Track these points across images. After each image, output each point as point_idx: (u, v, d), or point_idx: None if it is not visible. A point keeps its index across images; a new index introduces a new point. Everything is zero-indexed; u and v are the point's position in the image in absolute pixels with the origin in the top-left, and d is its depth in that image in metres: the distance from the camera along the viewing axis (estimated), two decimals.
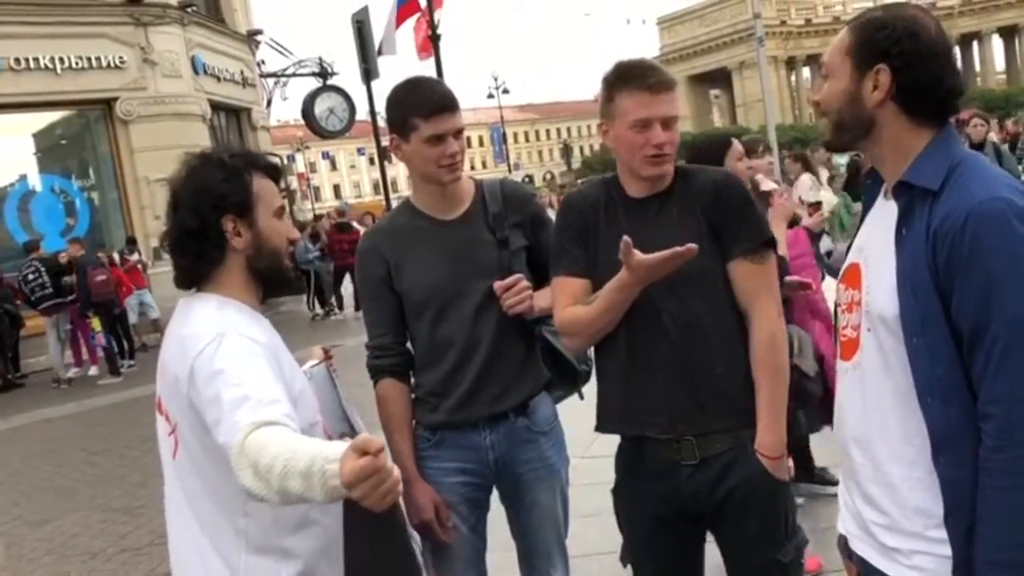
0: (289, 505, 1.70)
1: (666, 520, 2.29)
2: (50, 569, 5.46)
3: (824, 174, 11.80)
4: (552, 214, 2.82)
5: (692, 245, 2.01)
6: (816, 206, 5.16)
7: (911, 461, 1.65)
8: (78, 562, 5.49)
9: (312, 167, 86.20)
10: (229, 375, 1.74)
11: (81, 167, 17.47)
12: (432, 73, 15.17)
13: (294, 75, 20.48)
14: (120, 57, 16.14)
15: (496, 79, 56.83)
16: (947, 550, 1.61)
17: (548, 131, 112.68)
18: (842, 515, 1.88)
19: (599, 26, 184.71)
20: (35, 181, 16.70)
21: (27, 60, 15.10)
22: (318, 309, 16.75)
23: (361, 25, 17.18)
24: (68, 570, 5.39)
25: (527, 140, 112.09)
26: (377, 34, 17.63)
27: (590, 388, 2.61)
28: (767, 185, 4.34)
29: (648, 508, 2.31)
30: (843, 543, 1.87)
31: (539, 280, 2.53)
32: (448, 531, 2.53)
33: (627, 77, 2.22)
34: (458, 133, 2.48)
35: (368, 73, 17.13)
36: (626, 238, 2.05)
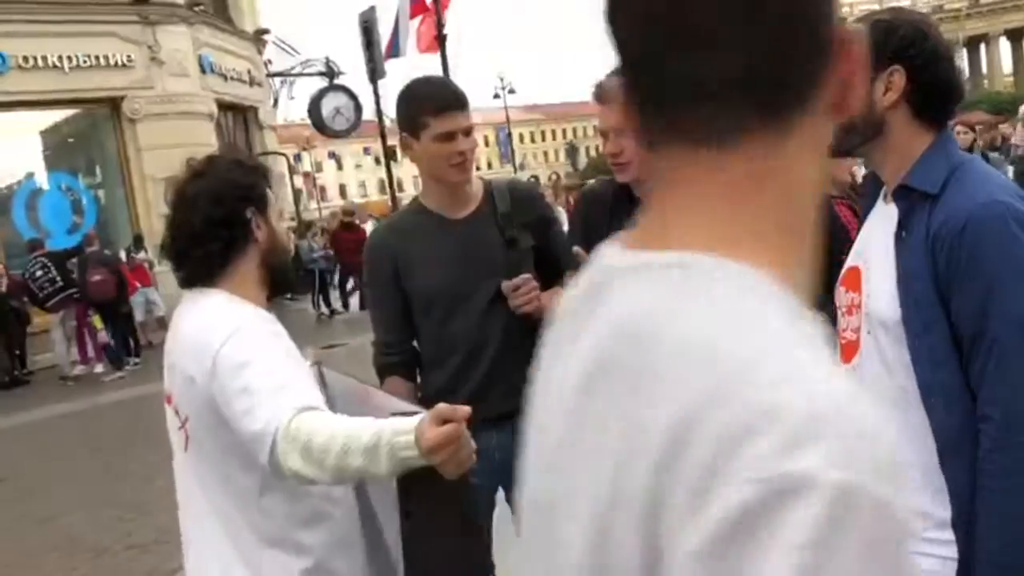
0: (341, 484, 1.78)
1: None
2: (57, 565, 5.48)
3: None
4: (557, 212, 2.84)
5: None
6: None
7: (910, 464, 1.66)
8: (85, 558, 5.52)
9: (318, 167, 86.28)
10: (258, 365, 1.76)
11: (88, 165, 17.54)
12: (438, 73, 15.19)
13: (301, 74, 20.54)
14: (128, 56, 16.19)
15: (502, 79, 56.82)
16: (946, 551, 1.62)
17: (554, 132, 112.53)
18: None
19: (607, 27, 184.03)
20: (42, 179, 16.73)
21: (35, 58, 15.16)
22: (323, 308, 16.79)
23: (368, 25, 17.22)
24: (75, 566, 5.42)
25: (533, 141, 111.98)
26: (384, 33, 17.67)
27: None
28: None
29: None
30: None
31: (548, 280, 2.54)
32: None
33: (593, 88, 2.35)
34: (468, 131, 2.49)
35: (374, 73, 17.17)
36: (575, 248, 2.18)
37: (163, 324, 13.22)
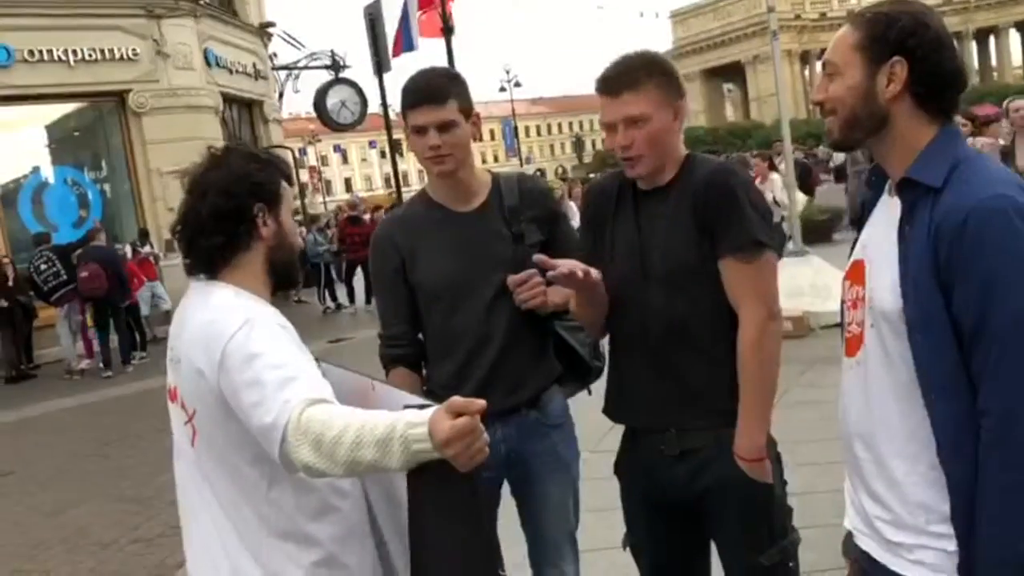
0: (353, 476, 1.78)
1: (654, 506, 2.34)
2: (63, 559, 5.51)
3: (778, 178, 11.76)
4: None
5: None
6: None
7: (914, 457, 1.66)
8: (91, 552, 5.54)
9: (324, 160, 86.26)
10: (268, 358, 1.76)
11: (94, 159, 17.54)
12: (443, 61, 15.14)
13: (306, 68, 20.52)
14: (133, 49, 16.18)
15: (508, 72, 56.79)
16: (949, 544, 1.62)
17: (560, 125, 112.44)
18: (847, 511, 1.89)
19: (612, 19, 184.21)
20: (48, 173, 16.77)
21: (40, 52, 15.16)
22: (329, 302, 16.80)
23: (373, 18, 17.19)
24: (81, 559, 5.44)
25: (539, 134, 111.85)
26: (390, 26, 17.64)
27: (600, 381, 2.63)
28: None
29: (637, 492, 2.39)
30: (845, 540, 1.88)
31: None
32: None
33: (596, 81, 2.25)
34: (442, 126, 2.45)
35: (380, 66, 17.15)
36: (537, 256, 2.22)
37: (169, 318, 13.21)
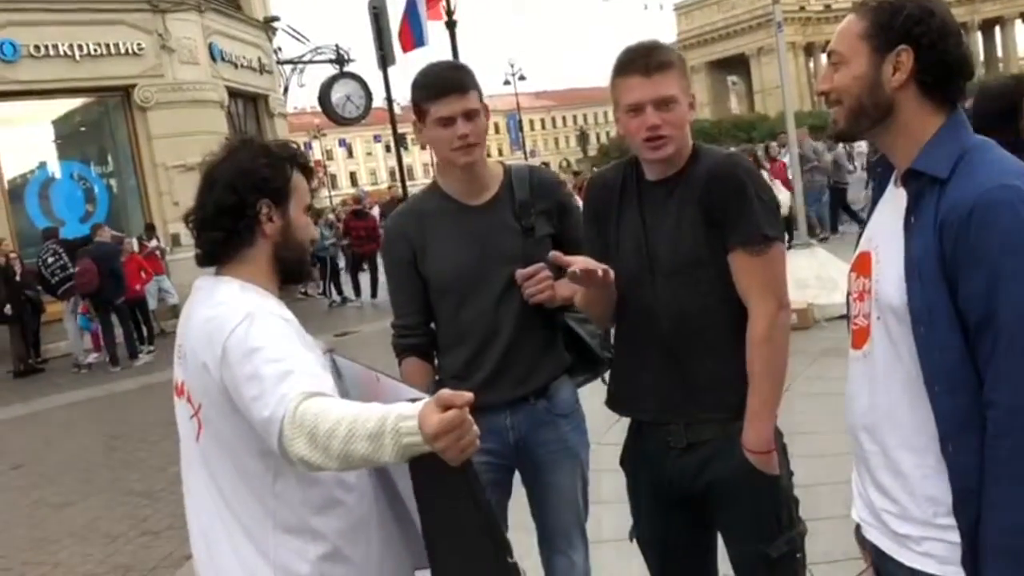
0: (348, 470, 1.76)
1: (661, 498, 2.34)
2: (71, 551, 5.53)
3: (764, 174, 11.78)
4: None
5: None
6: None
7: (921, 449, 1.65)
8: (99, 544, 5.56)
9: (328, 154, 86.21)
10: (268, 351, 1.77)
11: (100, 154, 17.56)
12: (448, 56, 15.14)
13: (311, 62, 20.54)
14: (138, 44, 16.20)
15: (512, 66, 56.72)
16: (956, 536, 1.61)
17: (564, 118, 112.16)
18: (855, 503, 1.89)
19: (616, 12, 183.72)
20: (55, 168, 16.81)
21: (46, 47, 15.18)
22: (334, 296, 16.81)
23: (378, 12, 17.19)
24: (90, 552, 5.47)
25: (543, 127, 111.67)
26: (394, 20, 17.60)
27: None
28: None
29: (644, 484, 2.39)
30: (858, 531, 1.88)
31: (563, 268, 2.54)
32: None
33: (619, 63, 2.23)
34: (469, 114, 2.48)
35: (384, 60, 17.14)
36: (553, 253, 2.20)
37: (176, 312, 13.28)
